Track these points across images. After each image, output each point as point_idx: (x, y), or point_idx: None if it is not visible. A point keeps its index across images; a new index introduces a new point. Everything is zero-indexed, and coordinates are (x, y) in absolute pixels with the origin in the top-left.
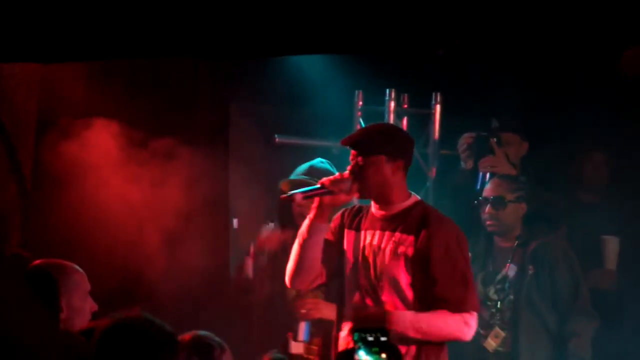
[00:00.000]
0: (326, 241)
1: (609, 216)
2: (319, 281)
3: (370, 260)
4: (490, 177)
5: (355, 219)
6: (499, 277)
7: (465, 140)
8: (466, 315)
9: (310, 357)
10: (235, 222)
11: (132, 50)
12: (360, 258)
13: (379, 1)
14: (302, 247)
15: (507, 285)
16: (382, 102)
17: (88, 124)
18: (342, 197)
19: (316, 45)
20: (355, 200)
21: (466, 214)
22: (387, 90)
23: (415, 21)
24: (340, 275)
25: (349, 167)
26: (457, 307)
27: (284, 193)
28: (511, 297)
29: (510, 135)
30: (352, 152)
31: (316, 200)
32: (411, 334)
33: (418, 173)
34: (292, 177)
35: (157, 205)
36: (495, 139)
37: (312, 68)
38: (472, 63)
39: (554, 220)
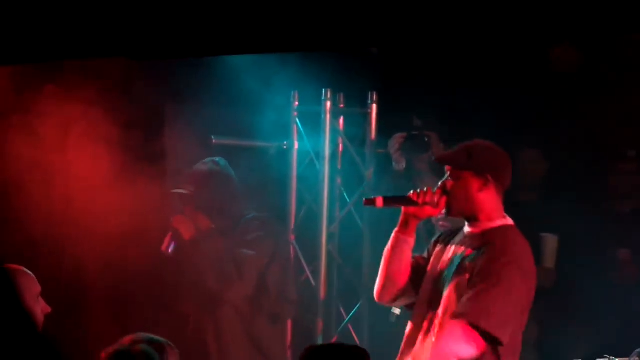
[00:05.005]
0: (418, 266)
1: (545, 214)
2: (405, 300)
3: (443, 272)
4: (426, 176)
5: (449, 236)
6: None
7: (396, 140)
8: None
9: None
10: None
11: (65, 51)
12: (437, 269)
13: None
14: (387, 259)
15: None
16: (319, 102)
17: (23, 125)
18: (427, 210)
19: (251, 44)
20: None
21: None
22: (323, 90)
23: (349, 19)
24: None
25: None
26: (460, 315)
27: None
28: None
29: (433, 135)
30: (446, 167)
31: (402, 212)
32: None
33: (356, 174)
34: None
35: (93, 206)
36: (427, 138)
37: (248, 68)
38: (407, 62)
39: None
